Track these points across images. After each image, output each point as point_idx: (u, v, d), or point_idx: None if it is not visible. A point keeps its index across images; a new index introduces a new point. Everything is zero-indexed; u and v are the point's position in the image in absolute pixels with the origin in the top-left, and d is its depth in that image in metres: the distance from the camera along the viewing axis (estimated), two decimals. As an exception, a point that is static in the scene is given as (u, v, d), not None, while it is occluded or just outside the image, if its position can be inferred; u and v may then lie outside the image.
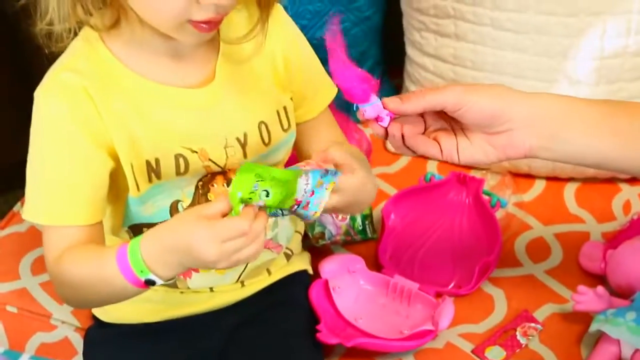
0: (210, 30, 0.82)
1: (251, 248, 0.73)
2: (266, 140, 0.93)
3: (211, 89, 0.90)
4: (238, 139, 0.92)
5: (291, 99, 0.96)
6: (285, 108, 0.95)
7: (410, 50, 1.29)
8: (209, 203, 0.78)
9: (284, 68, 0.94)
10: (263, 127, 0.93)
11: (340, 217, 1.11)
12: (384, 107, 0.79)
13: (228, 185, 0.92)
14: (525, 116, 0.82)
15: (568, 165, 1.14)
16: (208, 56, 0.91)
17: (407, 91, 1.31)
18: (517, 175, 1.22)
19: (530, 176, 1.23)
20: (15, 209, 1.23)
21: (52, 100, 0.84)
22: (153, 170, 0.90)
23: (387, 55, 1.41)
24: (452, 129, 0.83)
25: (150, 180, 0.89)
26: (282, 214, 0.79)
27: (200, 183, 0.92)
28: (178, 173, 0.90)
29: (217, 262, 0.73)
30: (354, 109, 0.80)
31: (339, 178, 0.80)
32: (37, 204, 0.87)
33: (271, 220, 0.95)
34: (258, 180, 0.72)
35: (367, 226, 1.12)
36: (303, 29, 1.13)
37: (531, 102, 0.83)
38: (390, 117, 0.80)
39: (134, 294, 0.81)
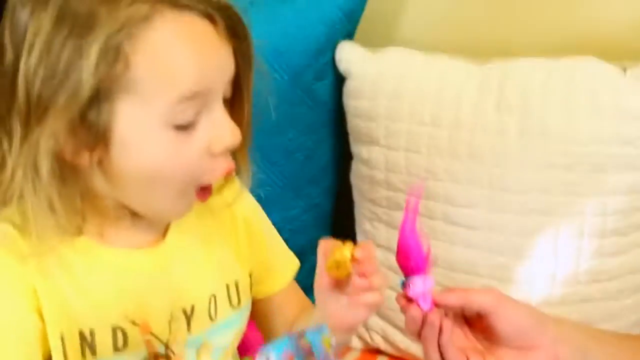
0: (208, 196, 0.81)
1: None
2: (213, 316, 0.88)
3: (158, 251, 0.85)
4: (184, 311, 0.86)
5: (250, 275, 0.92)
6: (236, 283, 0.90)
7: (361, 239, 1.25)
8: None
9: (246, 236, 0.93)
10: (212, 300, 0.88)
11: None
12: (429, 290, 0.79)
13: None
14: (555, 330, 0.81)
15: None
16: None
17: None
18: None
19: None
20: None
21: None
22: (87, 344, 0.82)
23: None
24: (481, 351, 0.81)
25: (83, 355, 0.81)
26: None
27: None
28: (115, 349, 0.82)
29: None
30: (400, 283, 0.79)
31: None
32: None
33: None
34: None
35: None
36: None
37: (557, 319, 0.83)
38: (430, 305, 0.79)
39: None
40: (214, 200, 0.87)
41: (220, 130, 0.76)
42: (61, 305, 0.80)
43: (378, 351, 1.27)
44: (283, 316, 0.93)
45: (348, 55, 1.26)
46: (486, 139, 1.11)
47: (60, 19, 0.73)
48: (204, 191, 0.81)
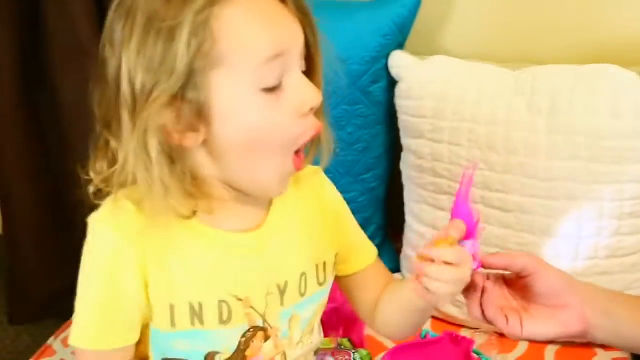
0: (303, 164, 0.81)
1: None
2: (302, 291, 0.89)
3: (260, 233, 0.86)
4: (279, 286, 0.88)
5: (336, 255, 0.93)
6: (325, 263, 0.91)
7: (409, 219, 1.33)
8: None
9: (333, 220, 0.93)
10: (303, 278, 0.89)
11: None
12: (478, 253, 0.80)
13: (266, 341, 0.88)
14: (583, 292, 0.84)
15: None
16: (263, 202, 0.88)
17: (406, 256, 1.35)
18: (503, 336, 1.12)
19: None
20: (48, 342, 1.23)
21: (105, 229, 0.81)
22: (196, 315, 0.84)
23: (389, 222, 1.45)
24: (517, 309, 0.84)
25: (193, 324, 0.84)
26: None
27: (243, 340, 0.87)
28: (221, 321, 0.85)
29: None
30: None
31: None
32: (90, 332, 0.83)
33: None
34: None
35: None
36: None
37: (584, 283, 0.86)
38: (479, 264, 0.81)
39: None
40: (304, 189, 0.90)
41: (303, 91, 0.77)
42: (170, 279, 0.82)
43: None
44: (369, 291, 0.92)
45: (399, 62, 1.29)
46: (518, 135, 1.17)
47: (150, 16, 0.74)
48: (299, 158, 0.81)
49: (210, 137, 0.76)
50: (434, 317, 1.30)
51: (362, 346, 1.20)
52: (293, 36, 0.77)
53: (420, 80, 1.25)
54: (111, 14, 0.77)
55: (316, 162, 0.87)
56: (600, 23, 1.29)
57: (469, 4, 1.38)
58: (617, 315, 0.85)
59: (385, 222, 1.44)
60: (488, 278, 0.84)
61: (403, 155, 1.32)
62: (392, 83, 1.30)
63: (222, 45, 0.73)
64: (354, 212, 1.28)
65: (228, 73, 0.74)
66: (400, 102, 1.29)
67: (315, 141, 0.83)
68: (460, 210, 0.80)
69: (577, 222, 1.17)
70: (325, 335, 1.12)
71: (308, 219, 0.91)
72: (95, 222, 0.81)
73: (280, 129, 0.76)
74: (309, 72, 0.80)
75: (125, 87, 0.74)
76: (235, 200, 0.82)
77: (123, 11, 0.75)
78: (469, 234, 0.79)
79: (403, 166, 1.33)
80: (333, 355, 1.16)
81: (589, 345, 1.22)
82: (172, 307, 0.82)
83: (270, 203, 0.87)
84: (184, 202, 0.78)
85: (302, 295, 0.89)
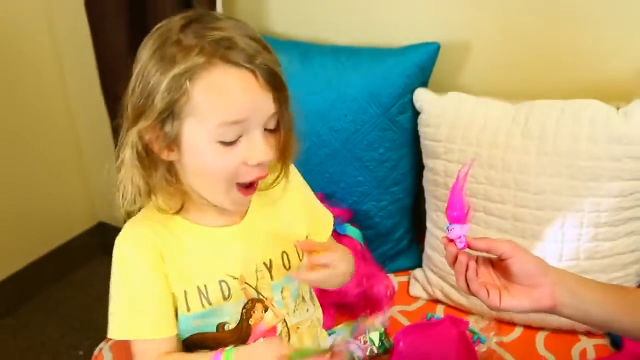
0: (250, 193, 0.89)
1: None
2: (287, 266, 0.98)
3: (242, 227, 0.95)
4: (265, 264, 0.96)
5: (307, 236, 1.02)
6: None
7: (429, 225, 1.47)
8: (282, 345, 0.87)
9: (300, 201, 1.02)
10: (285, 255, 0.98)
11: (362, 341, 1.28)
12: (464, 235, 0.86)
13: (266, 311, 0.97)
14: (554, 275, 0.89)
15: (540, 316, 1.25)
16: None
17: (427, 254, 1.48)
18: (501, 322, 1.37)
19: (511, 323, 1.37)
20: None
21: (125, 245, 0.92)
22: (204, 296, 0.92)
23: (415, 226, 1.57)
24: (498, 286, 0.89)
25: (203, 305, 0.93)
26: None
27: (244, 311, 0.96)
28: (224, 298, 0.93)
29: None
30: (446, 228, 0.88)
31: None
32: (124, 324, 0.92)
33: None
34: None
35: (384, 341, 1.30)
36: (353, 204, 1.40)
37: (556, 268, 0.90)
38: (464, 245, 0.87)
39: None
40: (273, 188, 0.97)
41: (255, 149, 0.84)
42: (180, 269, 0.91)
43: (437, 301, 1.46)
44: None
45: (422, 97, 1.42)
46: (514, 156, 1.29)
47: (154, 54, 0.82)
48: (247, 189, 0.88)
49: (180, 159, 0.87)
50: (446, 305, 1.45)
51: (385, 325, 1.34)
52: (258, 108, 0.83)
53: (437, 112, 1.39)
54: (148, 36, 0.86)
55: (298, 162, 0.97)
56: (583, 64, 1.38)
57: (480, 52, 1.48)
58: (584, 296, 0.88)
59: (412, 227, 1.57)
60: (477, 260, 0.90)
61: (424, 172, 1.45)
62: (416, 113, 1.44)
63: (194, 102, 0.81)
64: (384, 218, 1.49)
65: (196, 123, 0.82)
66: (421, 129, 1.43)
67: (285, 154, 0.91)
68: (454, 199, 0.87)
69: (561, 229, 1.28)
70: (355, 317, 1.33)
71: (282, 206, 1.00)
72: (120, 243, 0.92)
73: (226, 171, 0.85)
74: (277, 129, 0.88)
75: (130, 104, 0.84)
76: (218, 209, 0.92)
77: (148, 35, 0.85)
78: (460, 219, 0.87)
79: (424, 181, 1.46)
80: (355, 338, 1.28)
81: (574, 332, 1.33)
82: (185, 293, 0.92)
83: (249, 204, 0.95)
84: (168, 201, 0.90)
85: (287, 269, 0.98)
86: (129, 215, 0.92)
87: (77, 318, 2.10)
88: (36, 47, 2.04)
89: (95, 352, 1.34)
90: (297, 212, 1.02)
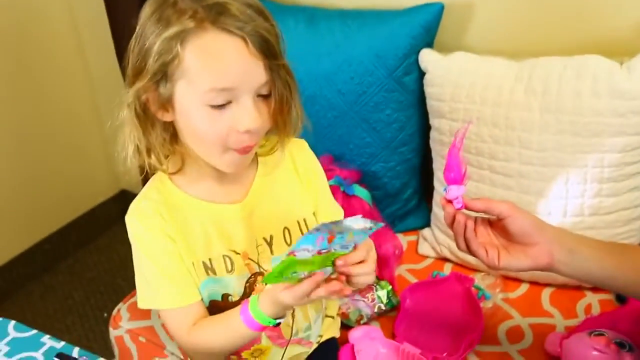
0: (247, 152, 0.87)
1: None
2: (288, 242, 0.98)
3: (244, 204, 0.96)
4: (265, 239, 0.97)
5: (314, 214, 1.01)
6: (305, 220, 1.00)
7: (437, 184, 1.49)
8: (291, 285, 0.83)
9: (309, 183, 1.00)
10: (286, 231, 0.98)
11: (370, 299, 1.30)
12: (462, 196, 0.87)
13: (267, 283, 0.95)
14: (552, 234, 0.90)
15: (546, 272, 1.15)
16: (245, 178, 0.97)
17: (435, 213, 1.50)
18: (507, 278, 1.38)
19: (517, 280, 1.38)
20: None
21: (134, 222, 0.94)
22: (209, 268, 0.95)
23: (424, 186, 1.58)
24: (497, 245, 0.91)
25: (207, 274, 0.95)
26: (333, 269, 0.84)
27: (247, 284, 0.97)
28: (228, 271, 0.95)
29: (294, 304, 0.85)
30: (443, 189, 0.89)
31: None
32: (151, 295, 0.95)
33: (305, 324, 1.04)
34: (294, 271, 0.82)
35: (391, 298, 1.33)
36: (362, 165, 1.43)
37: (554, 227, 0.92)
38: (462, 205, 0.88)
39: (252, 338, 0.93)
40: (286, 159, 0.98)
41: (244, 116, 0.83)
42: (188, 243, 0.93)
43: (445, 259, 1.48)
44: None
45: (427, 57, 1.43)
46: (517, 114, 1.29)
47: (152, 15, 0.83)
48: (244, 149, 0.87)
49: (175, 120, 0.88)
50: (454, 263, 1.46)
51: (392, 283, 1.38)
52: (248, 75, 0.82)
53: (443, 72, 1.40)
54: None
55: (303, 135, 0.97)
56: (586, 18, 1.37)
57: (484, 11, 1.48)
58: (581, 253, 0.90)
59: (420, 187, 1.58)
60: (476, 220, 0.91)
61: (431, 132, 1.47)
62: (421, 74, 1.44)
63: (185, 65, 0.82)
64: (393, 178, 1.50)
65: (187, 86, 0.83)
66: (427, 89, 1.44)
67: (279, 123, 0.90)
68: (451, 161, 0.88)
69: (565, 185, 1.29)
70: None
71: (287, 184, 1.00)
72: (128, 219, 0.94)
73: (216, 135, 0.85)
74: (268, 96, 0.87)
75: (129, 64, 0.85)
76: (219, 180, 0.93)
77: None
78: (457, 180, 0.88)
79: (431, 141, 1.47)
80: (360, 293, 1.30)
81: (579, 288, 1.34)
82: (193, 264, 0.94)
83: (252, 180, 0.97)
84: (164, 160, 0.90)
85: (289, 245, 0.99)
86: (142, 169, 0.93)
87: (101, 282, 2.17)
88: (54, 22, 2.08)
89: (114, 312, 1.38)
90: (307, 193, 1.01)
